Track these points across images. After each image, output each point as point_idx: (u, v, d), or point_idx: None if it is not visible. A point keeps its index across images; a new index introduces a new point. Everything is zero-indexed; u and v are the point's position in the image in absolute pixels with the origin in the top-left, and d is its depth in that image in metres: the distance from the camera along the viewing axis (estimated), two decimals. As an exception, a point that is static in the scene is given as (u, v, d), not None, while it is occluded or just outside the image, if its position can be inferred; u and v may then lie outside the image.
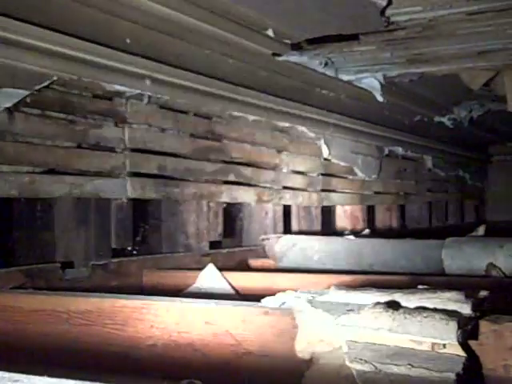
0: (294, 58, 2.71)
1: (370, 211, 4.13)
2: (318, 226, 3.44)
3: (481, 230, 2.75)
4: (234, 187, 2.77)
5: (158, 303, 1.45)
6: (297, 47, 2.63)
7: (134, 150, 2.23)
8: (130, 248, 2.26)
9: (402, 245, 2.45)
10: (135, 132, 2.24)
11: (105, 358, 1.44)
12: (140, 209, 2.34)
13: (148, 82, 2.20)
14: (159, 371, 1.40)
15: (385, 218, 4.33)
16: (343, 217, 3.77)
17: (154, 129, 2.32)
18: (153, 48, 2.18)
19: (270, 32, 2.41)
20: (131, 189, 2.19)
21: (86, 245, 2.06)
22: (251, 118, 2.83)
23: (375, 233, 3.43)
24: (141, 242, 2.35)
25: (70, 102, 2.02)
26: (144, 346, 1.42)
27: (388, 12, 2.29)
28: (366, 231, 3.35)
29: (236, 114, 2.73)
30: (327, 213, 3.63)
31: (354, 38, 2.62)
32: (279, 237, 2.74)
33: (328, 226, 3.60)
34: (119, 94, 2.16)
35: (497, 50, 2.83)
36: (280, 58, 2.66)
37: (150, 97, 2.26)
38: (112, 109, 2.16)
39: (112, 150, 2.15)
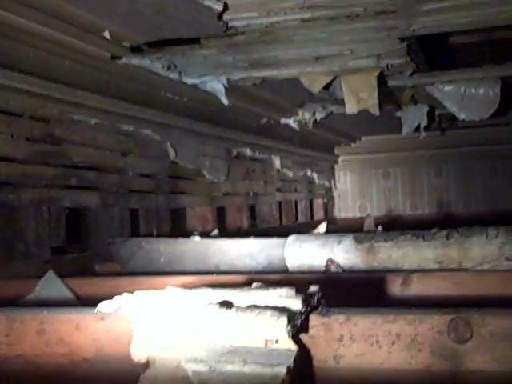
0: (135, 61, 2.68)
1: (221, 212, 4.17)
2: (167, 229, 3.43)
3: (322, 228, 2.84)
4: (77, 192, 2.70)
5: (-15, 315, 1.38)
6: (137, 50, 2.60)
7: (-40, 156, 2.12)
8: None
9: (247, 244, 2.48)
10: (-38, 136, 2.12)
11: None
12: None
13: (-26, 83, 2.10)
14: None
15: (235, 218, 4.38)
16: (193, 219, 3.78)
17: (-17, 132, 2.21)
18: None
19: (106, 34, 2.36)
20: (-41, 196, 2.08)
21: None
22: (93, 121, 2.77)
23: (224, 233, 3.46)
24: (-26, 253, 2.23)
25: None
26: (-29, 361, 1.35)
27: (225, 17, 2.31)
28: (215, 232, 3.37)
29: (76, 117, 2.66)
30: (177, 215, 3.62)
31: (195, 41, 2.63)
32: (125, 240, 2.70)
33: (178, 229, 3.59)
34: None
35: (332, 55, 2.93)
36: (120, 61, 2.62)
37: (-23, 99, 2.16)
38: None
39: None
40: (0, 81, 2.20)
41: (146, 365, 1.25)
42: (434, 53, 3.36)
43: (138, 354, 1.26)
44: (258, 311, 1.22)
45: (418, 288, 1.83)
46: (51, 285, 2.04)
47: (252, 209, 4.71)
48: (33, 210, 2.44)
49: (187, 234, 3.50)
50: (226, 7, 2.22)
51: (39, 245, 2.46)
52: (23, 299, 1.93)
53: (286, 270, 2.32)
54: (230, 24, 2.40)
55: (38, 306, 1.50)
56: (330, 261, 2.22)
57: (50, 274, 2.08)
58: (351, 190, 6.79)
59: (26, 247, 2.40)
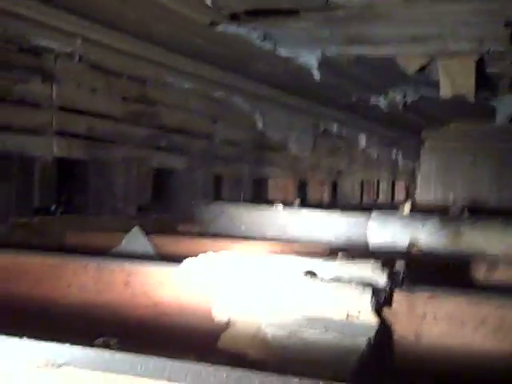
0: (232, 29, 2.66)
1: (303, 185, 4.16)
2: (249, 197, 3.45)
3: (406, 208, 2.79)
4: (165, 153, 2.75)
5: (77, 262, 1.43)
6: (235, 18, 2.60)
7: (61, 109, 2.17)
8: (53, 208, 2.21)
9: (329, 216, 2.47)
10: (63, 90, 2.18)
11: (19, 315, 1.41)
12: (66, 169, 2.29)
13: (79, 40, 2.15)
14: (76, 329, 1.39)
15: (317, 192, 4.37)
16: (275, 189, 3.79)
17: (83, 88, 2.27)
18: (85, 6, 2.12)
19: (207, 1, 2.37)
20: (57, 148, 2.14)
21: (6, 202, 2.00)
22: (186, 85, 2.80)
23: (305, 206, 3.45)
24: (66, 203, 2.30)
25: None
26: (60, 304, 1.40)
27: (328, -10, 2.28)
28: (296, 202, 3.36)
29: (170, 80, 2.69)
30: (259, 184, 3.64)
31: (294, 13, 2.60)
32: (209, 203, 2.73)
33: (259, 197, 3.61)
34: (48, 49, 2.09)
35: (431, 37, 2.84)
36: (217, 28, 2.62)
37: (80, 55, 2.21)
38: (40, 64, 2.09)
39: (38, 106, 2.09)
40: (101, 38, 2.25)
41: (227, 324, 1.26)
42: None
43: (220, 314, 1.27)
44: (342, 283, 1.22)
45: (503, 274, 1.78)
46: (136, 240, 2.09)
47: (334, 185, 4.69)
48: (123, 168, 2.50)
49: (268, 203, 3.52)
50: (329, -20, 2.19)
51: (127, 201, 2.52)
52: (110, 251, 1.98)
53: (366, 246, 2.30)
54: (332, -3, 2.36)
55: (125, 259, 1.54)
56: (413, 242, 2.19)
57: (136, 230, 2.13)
58: (435, 174, 6.63)
59: (114, 202, 2.46)
